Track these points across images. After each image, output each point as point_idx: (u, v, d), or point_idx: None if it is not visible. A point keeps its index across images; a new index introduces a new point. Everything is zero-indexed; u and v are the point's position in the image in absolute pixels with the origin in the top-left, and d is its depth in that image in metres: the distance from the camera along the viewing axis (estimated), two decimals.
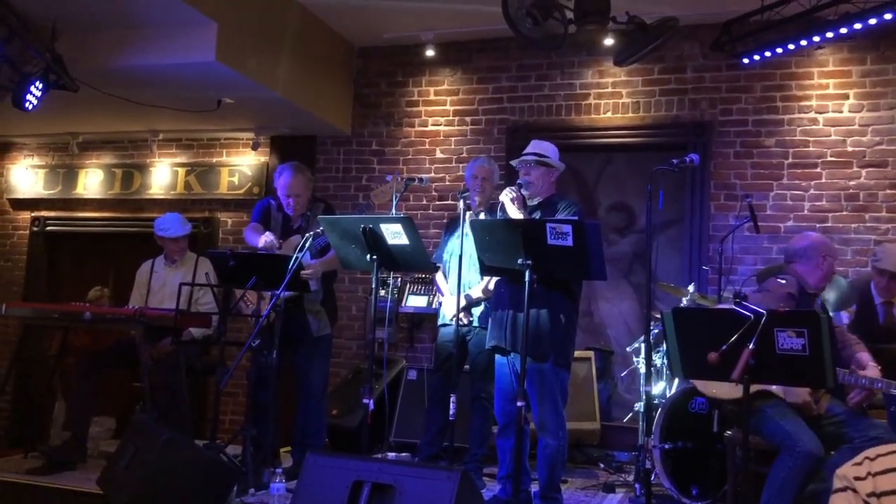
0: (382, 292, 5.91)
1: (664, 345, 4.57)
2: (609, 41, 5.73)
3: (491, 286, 4.24)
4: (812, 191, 5.59)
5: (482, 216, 4.40)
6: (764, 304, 3.35)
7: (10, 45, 4.59)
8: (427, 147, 6.50)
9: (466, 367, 4.53)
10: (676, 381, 4.66)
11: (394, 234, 3.67)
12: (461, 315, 4.31)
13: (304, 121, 6.36)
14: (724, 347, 2.82)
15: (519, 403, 3.45)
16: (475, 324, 4.43)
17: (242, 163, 6.96)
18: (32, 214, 7.60)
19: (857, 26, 4.78)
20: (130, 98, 5.65)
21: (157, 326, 4.53)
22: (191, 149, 7.18)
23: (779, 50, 5.18)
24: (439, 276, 4.66)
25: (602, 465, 5.22)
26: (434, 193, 6.41)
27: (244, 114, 6.26)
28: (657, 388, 4.83)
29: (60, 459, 4.54)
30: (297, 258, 3.97)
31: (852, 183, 5.51)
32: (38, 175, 7.56)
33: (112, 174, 7.33)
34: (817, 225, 5.47)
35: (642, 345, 4.75)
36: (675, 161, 3.98)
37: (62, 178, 7.48)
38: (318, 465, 3.07)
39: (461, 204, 4.04)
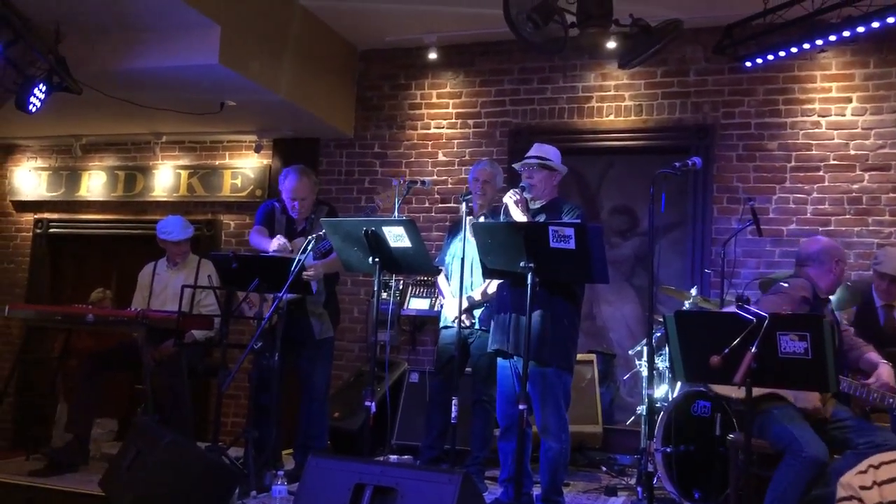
0: (384, 295, 5.90)
1: (666, 348, 4.57)
2: (611, 44, 5.73)
3: (491, 289, 4.24)
4: (815, 194, 5.58)
5: (482, 219, 4.40)
6: (779, 305, 3.35)
7: (14, 47, 4.59)
8: (429, 150, 6.51)
9: (468, 369, 4.53)
10: (679, 384, 4.66)
11: (396, 237, 3.66)
12: (463, 317, 4.31)
13: (307, 123, 6.37)
14: (726, 351, 2.81)
15: (521, 406, 3.44)
16: (476, 326, 4.43)
17: (245, 165, 6.97)
18: (35, 216, 7.61)
19: (860, 29, 4.78)
20: (133, 100, 5.66)
21: (159, 328, 4.53)
22: (193, 151, 7.19)
23: (781, 53, 5.18)
24: (441, 279, 4.66)
25: (604, 469, 5.21)
26: (436, 196, 6.41)
27: (247, 116, 6.27)
28: (659, 391, 4.83)
29: (62, 461, 4.54)
30: (299, 260, 3.98)
31: (855, 186, 5.51)
32: (42, 177, 7.58)
33: (115, 176, 7.35)
34: (820, 228, 5.46)
35: (645, 348, 4.74)
36: (677, 164, 3.97)
37: (65, 181, 7.49)
38: (319, 468, 3.07)
39: (463, 207, 4.04)
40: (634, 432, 5.16)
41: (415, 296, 6.11)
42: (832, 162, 5.57)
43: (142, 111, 5.91)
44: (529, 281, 3.45)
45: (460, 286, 4.03)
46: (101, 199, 7.38)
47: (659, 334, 4.74)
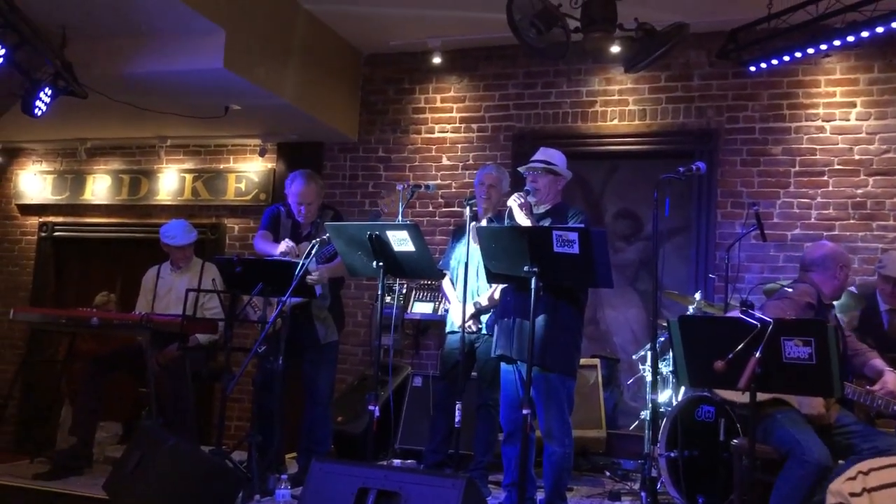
0: (388, 299, 5.89)
1: (670, 353, 4.56)
2: (615, 49, 5.72)
3: (498, 295, 4.23)
4: (819, 199, 5.57)
5: (484, 223, 4.40)
6: (783, 311, 3.34)
7: (21, 51, 4.60)
8: (433, 154, 6.51)
9: (474, 373, 4.53)
10: (683, 389, 4.65)
11: (400, 241, 3.67)
12: (470, 322, 4.31)
13: (311, 127, 6.38)
14: (730, 356, 2.81)
15: (524, 411, 3.44)
16: (483, 331, 4.43)
17: (249, 169, 6.98)
18: (40, 220, 7.64)
19: (865, 34, 4.77)
20: (138, 104, 5.68)
21: (163, 332, 4.54)
22: (198, 155, 7.21)
23: (786, 58, 5.17)
24: (446, 283, 4.65)
25: (608, 474, 5.20)
26: (440, 200, 6.42)
27: (251, 120, 6.28)
28: (663, 396, 4.81)
29: (67, 464, 4.55)
30: (303, 264, 3.98)
31: (859, 191, 5.50)
32: (47, 181, 7.60)
33: (120, 180, 7.37)
34: (824, 233, 5.45)
35: (648, 353, 4.73)
36: (681, 169, 3.98)
37: (70, 184, 7.51)
38: (323, 472, 3.08)
39: (467, 211, 4.05)
40: (638, 437, 5.15)
41: (418, 300, 6.12)
42: (836, 167, 5.56)
43: (146, 115, 5.93)
44: (533, 285, 3.44)
45: (464, 290, 4.03)
46: (105, 202, 7.39)
47: (663, 339, 4.73)
